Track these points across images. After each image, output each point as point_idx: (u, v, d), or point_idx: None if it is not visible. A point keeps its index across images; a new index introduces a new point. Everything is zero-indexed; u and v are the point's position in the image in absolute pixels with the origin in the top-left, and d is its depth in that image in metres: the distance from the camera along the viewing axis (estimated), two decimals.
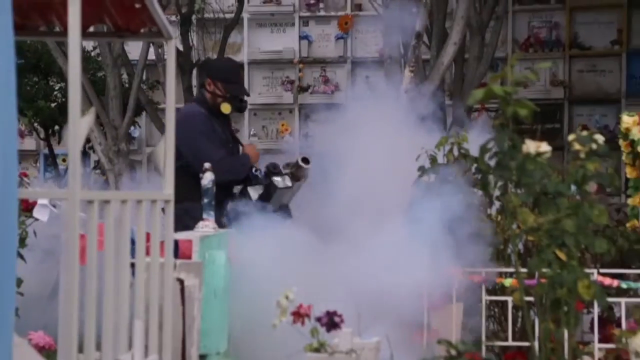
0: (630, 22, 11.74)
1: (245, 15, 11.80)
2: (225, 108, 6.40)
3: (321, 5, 12.05)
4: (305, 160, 6.53)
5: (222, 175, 5.79)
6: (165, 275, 3.34)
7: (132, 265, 3.17)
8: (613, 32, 11.87)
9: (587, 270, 3.30)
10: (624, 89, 11.71)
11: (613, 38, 11.88)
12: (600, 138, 3.26)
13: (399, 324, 5.23)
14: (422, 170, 6.57)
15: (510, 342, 5.41)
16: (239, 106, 6.59)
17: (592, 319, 5.81)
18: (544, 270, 3.34)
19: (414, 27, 8.29)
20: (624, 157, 6.34)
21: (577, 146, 3.19)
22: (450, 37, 8.60)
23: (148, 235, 3.27)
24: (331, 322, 3.90)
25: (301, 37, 12.06)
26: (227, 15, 11.43)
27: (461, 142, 6.16)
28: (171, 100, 3.50)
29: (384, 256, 5.34)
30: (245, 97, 6.73)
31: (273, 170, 6.40)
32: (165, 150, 3.41)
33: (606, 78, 11.92)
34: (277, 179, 6.38)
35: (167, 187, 3.37)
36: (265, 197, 6.36)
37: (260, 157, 6.70)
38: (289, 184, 6.41)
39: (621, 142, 6.34)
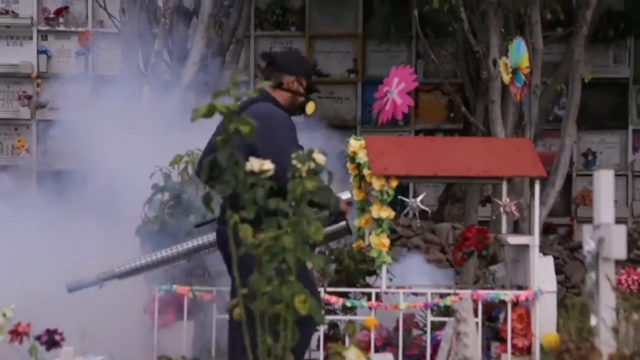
0: (365, 52, 12.22)
1: None
2: (311, 108, 5.40)
3: (61, 19, 11.79)
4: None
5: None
6: None
7: None
8: (349, 61, 12.32)
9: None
10: (359, 116, 12.18)
11: (349, 67, 12.33)
12: (320, 157, 3.35)
13: (125, 341, 5.18)
14: (156, 188, 6.57)
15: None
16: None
17: (319, 337, 5.98)
18: (265, 286, 3.39)
19: (153, 46, 8.26)
20: (351, 180, 6.56)
21: (297, 164, 3.27)
22: (190, 57, 8.64)
23: None
24: (51, 340, 3.79)
25: (39, 52, 11.76)
26: None
27: (196, 160, 6.19)
28: None
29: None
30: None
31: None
32: None
33: (343, 105, 12.36)
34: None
35: None
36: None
37: None
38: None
39: (348, 165, 6.57)
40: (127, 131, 7.06)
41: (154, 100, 8.39)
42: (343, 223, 5.49)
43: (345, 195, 5.56)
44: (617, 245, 3.37)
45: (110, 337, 4.95)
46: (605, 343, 3.37)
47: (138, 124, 7.29)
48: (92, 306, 5.18)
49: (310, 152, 3.26)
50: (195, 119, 3.05)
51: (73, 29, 11.82)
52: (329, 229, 5.39)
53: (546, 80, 9.93)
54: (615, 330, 3.37)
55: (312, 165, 3.22)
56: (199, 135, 4.93)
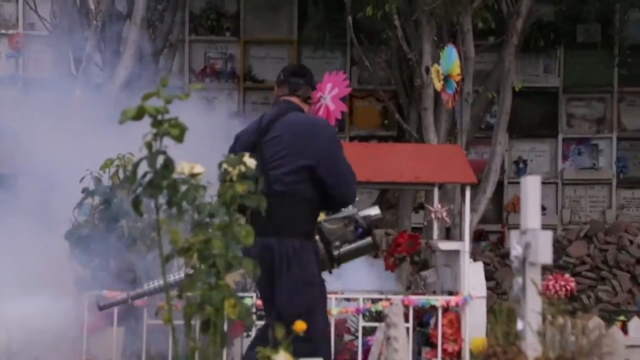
0: (300, 59, 12.23)
1: None
2: None
3: None
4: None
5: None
6: None
7: None
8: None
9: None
10: None
11: None
12: (250, 161, 3.35)
13: (54, 347, 5.11)
14: (86, 192, 6.51)
15: None
16: None
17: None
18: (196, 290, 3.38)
19: (85, 49, 8.19)
20: None
21: (227, 168, 3.26)
22: (122, 61, 8.57)
23: None
24: None
25: None
26: None
27: (127, 164, 6.15)
28: None
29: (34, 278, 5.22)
30: None
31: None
32: None
33: None
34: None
35: None
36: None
37: None
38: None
39: None
40: (57, 134, 6.99)
41: (85, 104, 8.31)
42: (369, 239, 5.28)
43: (374, 211, 5.40)
44: (543, 250, 3.42)
45: (39, 342, 4.88)
46: (531, 347, 3.41)
47: (69, 127, 7.22)
48: (20, 311, 5.09)
49: (241, 156, 3.26)
50: (124, 121, 3.03)
51: (3, 31, 11.67)
52: (355, 245, 5.21)
53: (478, 88, 10.04)
54: (541, 334, 3.41)
55: (243, 169, 3.22)
56: (130, 139, 4.89)
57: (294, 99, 5.15)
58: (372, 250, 5.60)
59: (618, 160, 12.96)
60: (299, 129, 4.99)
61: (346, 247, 5.14)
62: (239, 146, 5.04)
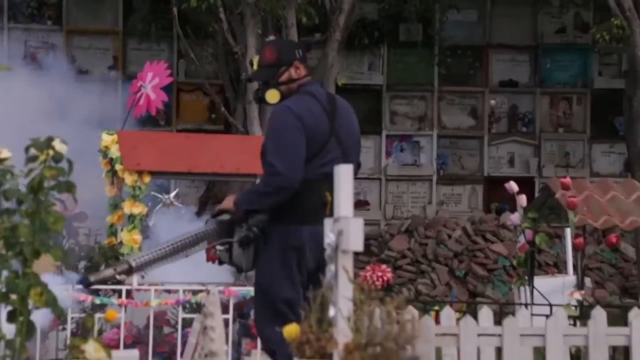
0: (126, 50, 12.06)
1: None
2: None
3: None
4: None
5: None
6: None
7: None
8: (109, 58, 12.12)
9: None
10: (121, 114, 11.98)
11: (110, 64, 12.13)
12: (60, 146, 3.27)
13: None
14: None
15: None
16: None
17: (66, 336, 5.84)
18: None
19: None
20: (104, 175, 6.46)
21: (35, 152, 3.18)
22: None
23: None
24: None
25: None
26: None
27: None
28: None
29: None
30: None
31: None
32: None
33: (104, 104, 12.11)
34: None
35: None
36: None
37: None
38: None
39: (101, 160, 6.46)
40: None
41: None
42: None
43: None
44: (355, 237, 3.47)
45: None
46: (342, 333, 3.46)
47: None
48: None
49: (50, 139, 3.18)
50: None
51: None
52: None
53: None
54: (352, 320, 3.47)
55: (52, 153, 3.15)
56: None
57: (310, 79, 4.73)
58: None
59: (438, 157, 13.34)
60: (354, 120, 4.73)
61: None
62: (313, 129, 4.54)
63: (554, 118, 13.94)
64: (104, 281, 4.87)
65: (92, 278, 4.75)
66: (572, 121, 13.96)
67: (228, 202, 4.73)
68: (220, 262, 4.90)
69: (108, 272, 4.78)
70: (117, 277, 4.80)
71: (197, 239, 4.82)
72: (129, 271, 4.74)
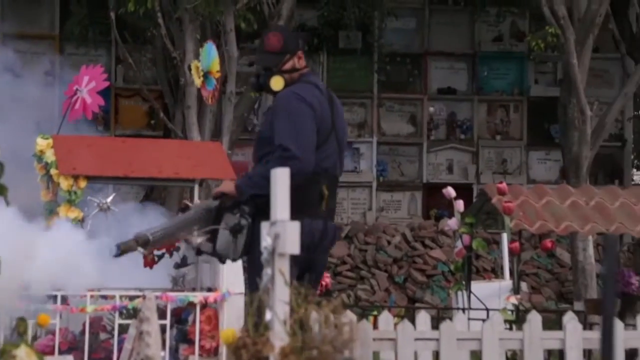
0: (63, 54, 11.93)
1: None
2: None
3: None
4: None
5: None
6: None
7: None
8: (46, 63, 11.97)
9: None
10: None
11: (46, 68, 11.98)
12: None
13: None
14: None
15: None
16: None
17: None
18: None
19: None
20: (39, 180, 6.38)
21: None
22: None
23: None
24: None
25: None
26: None
27: None
28: None
29: None
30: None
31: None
32: None
33: (40, 110, 11.97)
34: None
35: None
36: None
37: None
38: None
39: (36, 164, 6.37)
40: None
41: None
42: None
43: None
44: (291, 241, 3.47)
45: None
46: (278, 336, 3.46)
47: None
48: None
49: None
50: None
51: None
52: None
53: (242, 89, 10.12)
54: (289, 324, 3.46)
55: None
56: None
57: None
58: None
59: (378, 164, 13.40)
60: (344, 118, 4.72)
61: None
62: (320, 119, 4.47)
63: (492, 125, 14.09)
64: (128, 250, 4.56)
65: (122, 247, 4.47)
66: (509, 128, 14.12)
67: (228, 185, 4.53)
68: (199, 252, 4.73)
69: (131, 242, 4.53)
70: (138, 249, 4.55)
71: (188, 223, 4.65)
72: (146, 244, 4.53)
